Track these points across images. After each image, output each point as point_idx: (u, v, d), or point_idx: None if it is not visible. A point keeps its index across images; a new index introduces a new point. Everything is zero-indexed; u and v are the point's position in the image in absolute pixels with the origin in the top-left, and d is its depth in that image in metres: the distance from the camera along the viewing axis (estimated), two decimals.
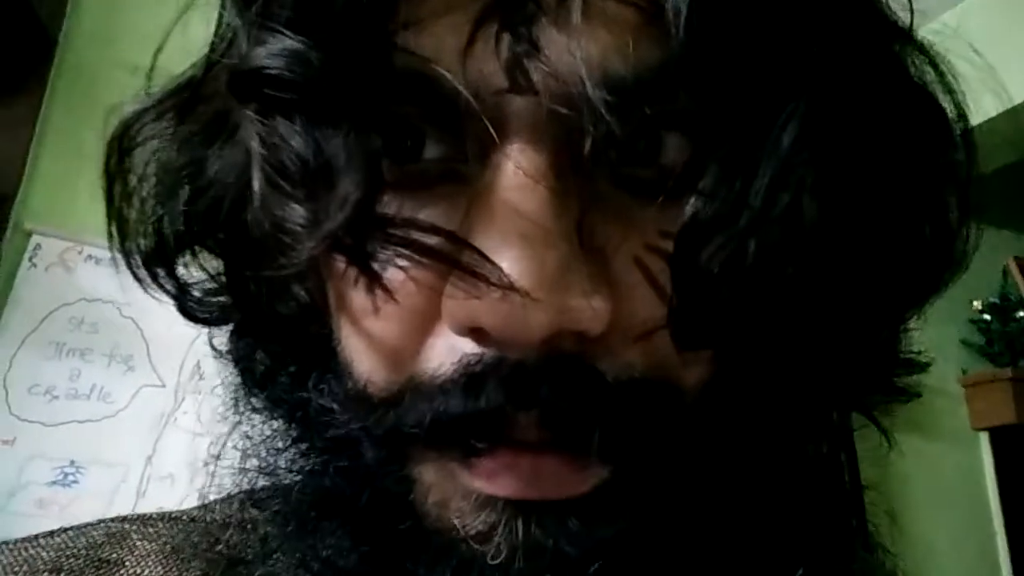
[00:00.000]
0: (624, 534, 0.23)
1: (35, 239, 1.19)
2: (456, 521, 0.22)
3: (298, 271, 0.22)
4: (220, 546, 0.28)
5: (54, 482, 1.07)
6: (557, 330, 0.20)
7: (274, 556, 0.25)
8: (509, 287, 0.19)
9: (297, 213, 0.21)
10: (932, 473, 1.80)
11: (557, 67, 0.20)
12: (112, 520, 0.31)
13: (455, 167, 0.22)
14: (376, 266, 0.21)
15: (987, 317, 1.94)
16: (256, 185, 0.21)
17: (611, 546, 0.22)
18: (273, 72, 0.21)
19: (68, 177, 1.20)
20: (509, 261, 0.20)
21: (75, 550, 0.28)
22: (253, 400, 0.28)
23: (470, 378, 0.21)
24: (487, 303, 0.20)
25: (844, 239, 0.23)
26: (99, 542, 0.29)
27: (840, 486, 0.30)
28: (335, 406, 0.25)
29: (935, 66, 0.26)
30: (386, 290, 0.21)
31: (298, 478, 0.26)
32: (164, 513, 0.31)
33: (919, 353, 0.28)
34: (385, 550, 0.24)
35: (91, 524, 0.30)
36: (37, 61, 1.26)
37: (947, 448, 1.88)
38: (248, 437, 0.28)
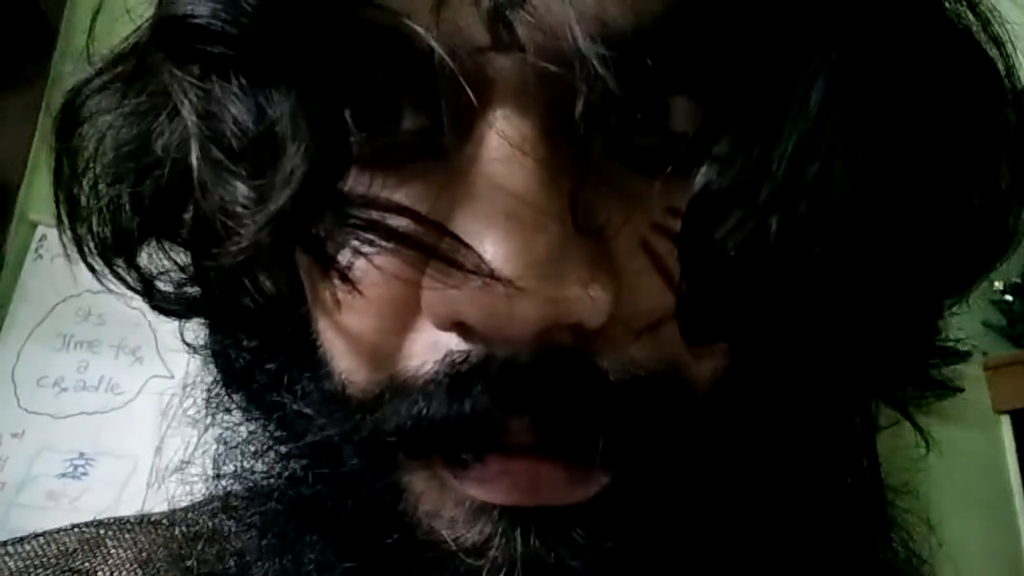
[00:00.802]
0: (632, 544, 0.21)
1: (41, 230, 1.18)
2: (447, 532, 0.20)
3: (259, 260, 0.20)
4: (190, 561, 0.26)
5: (64, 474, 1.07)
6: (550, 323, 0.18)
7: (251, 572, 0.24)
8: (489, 275, 0.17)
9: (240, 192, 0.18)
10: (952, 456, 1.77)
11: (545, 18, 0.18)
12: (87, 525, 0.29)
13: (433, 140, 0.20)
14: (339, 254, 0.19)
15: (1009, 298, 1.89)
16: (194, 160, 0.19)
17: (618, 558, 0.20)
18: (199, 21, 0.18)
19: None
20: (492, 246, 0.17)
21: (45, 559, 0.27)
22: (231, 400, 0.27)
23: (455, 378, 0.19)
24: (468, 294, 0.17)
25: (880, 213, 0.20)
26: (71, 550, 0.28)
27: (865, 490, 0.28)
28: (311, 409, 0.23)
29: (976, 11, 0.22)
30: (349, 281, 0.19)
31: (277, 485, 0.24)
32: (143, 516, 0.30)
33: (958, 341, 0.26)
34: (372, 565, 0.22)
35: (65, 529, 0.29)
36: (39, 51, 1.25)
37: (968, 431, 1.84)
38: (224, 441, 0.26)
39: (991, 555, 1.77)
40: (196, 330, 0.29)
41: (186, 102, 0.19)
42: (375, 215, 0.18)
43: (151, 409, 1.17)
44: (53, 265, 1.18)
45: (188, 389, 0.29)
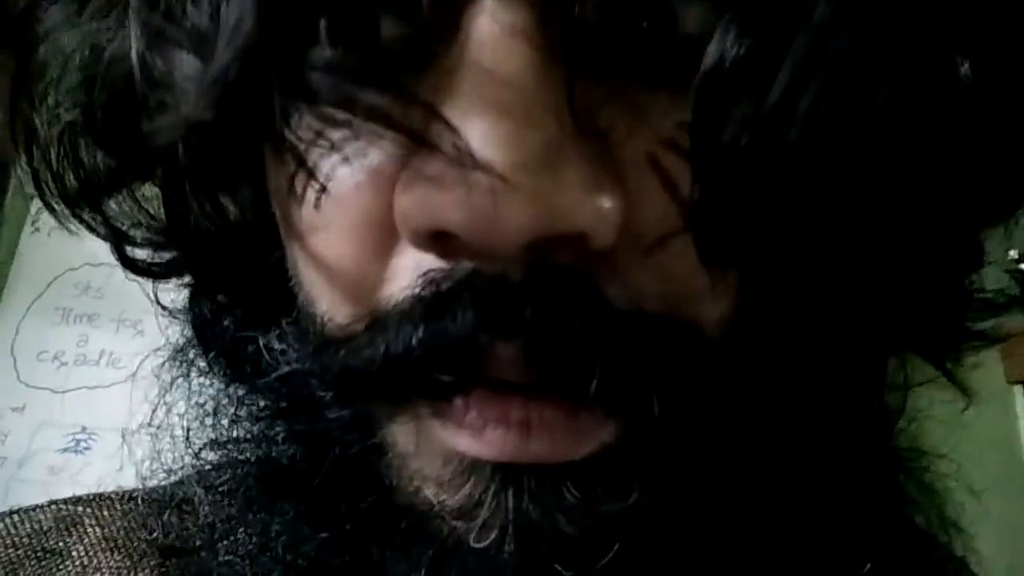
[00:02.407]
0: (638, 508, 0.18)
1: (37, 203, 1.15)
2: (432, 493, 0.18)
3: (201, 140, 0.17)
4: (157, 532, 0.24)
5: (65, 449, 1.06)
6: (544, 232, 0.15)
7: (223, 545, 0.22)
8: (474, 164, 0.15)
9: (182, 63, 0.16)
10: (964, 428, 1.75)
11: None
12: (66, 502, 0.28)
13: (417, 48, 0.17)
14: (302, 148, 0.17)
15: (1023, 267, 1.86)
16: (132, 39, 0.17)
17: (622, 523, 0.18)
18: None
19: None
20: (479, 134, 0.15)
21: (17, 538, 0.25)
22: (207, 364, 0.25)
23: (434, 299, 0.17)
24: (449, 195, 0.15)
25: (917, 104, 0.17)
26: (46, 528, 0.26)
27: (893, 453, 0.26)
28: (285, 347, 0.21)
29: None
30: (312, 174, 0.17)
31: (251, 449, 0.22)
32: (124, 492, 0.28)
33: (999, 291, 0.23)
34: (348, 534, 0.20)
35: (41, 507, 0.27)
36: None
37: (980, 402, 1.82)
38: (199, 407, 0.25)
39: (1004, 528, 1.76)
40: (174, 295, 0.28)
41: None
42: (339, 85, 0.16)
43: (153, 382, 1.16)
44: (51, 238, 1.16)
45: (161, 354, 0.27)
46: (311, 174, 0.17)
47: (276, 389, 0.22)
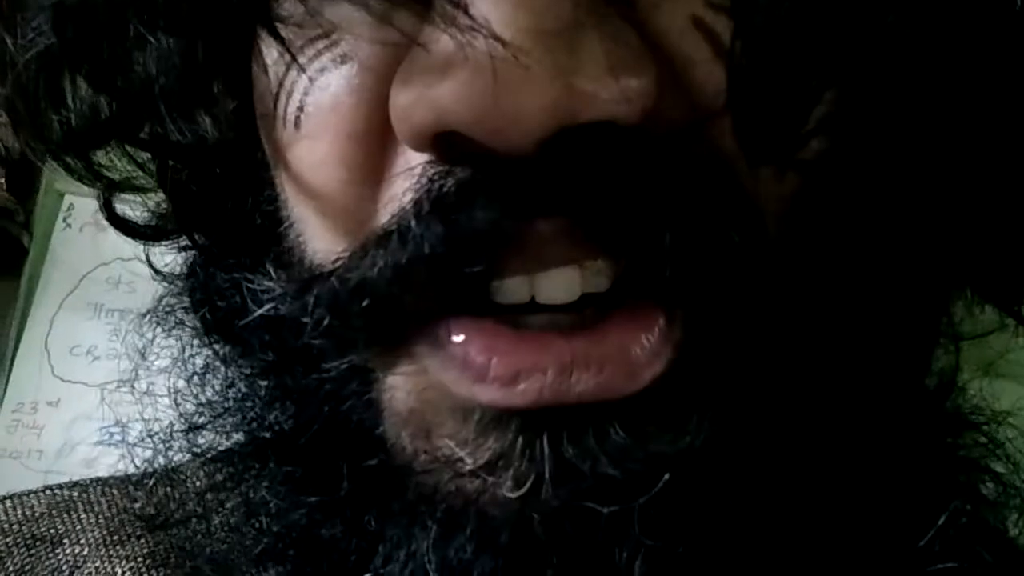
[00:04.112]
0: (691, 446, 0.16)
1: (68, 199, 1.17)
2: (448, 452, 0.16)
3: (196, 80, 0.16)
4: (141, 504, 0.23)
5: (100, 442, 1.07)
6: (564, 123, 0.13)
7: (211, 515, 0.20)
8: (484, 31, 0.13)
9: None
10: (1012, 414, 1.69)
11: None
12: (60, 487, 0.26)
13: None
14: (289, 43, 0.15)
15: None
16: None
17: (673, 464, 0.16)
18: None
19: None
20: (487, 9, 0.13)
21: (7, 524, 0.24)
22: (194, 318, 0.24)
23: (441, 195, 0.15)
24: (452, 80, 0.13)
25: None
26: (38, 514, 0.25)
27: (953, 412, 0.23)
28: (271, 285, 0.19)
29: None
30: (297, 60, 0.15)
31: (242, 408, 0.21)
32: (122, 476, 0.27)
33: None
34: (343, 501, 0.18)
35: (35, 492, 0.26)
36: None
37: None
38: (189, 366, 0.23)
39: None
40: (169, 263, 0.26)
41: None
42: None
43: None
44: (82, 234, 1.17)
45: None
46: (294, 59, 0.15)
47: (266, 342, 0.20)
